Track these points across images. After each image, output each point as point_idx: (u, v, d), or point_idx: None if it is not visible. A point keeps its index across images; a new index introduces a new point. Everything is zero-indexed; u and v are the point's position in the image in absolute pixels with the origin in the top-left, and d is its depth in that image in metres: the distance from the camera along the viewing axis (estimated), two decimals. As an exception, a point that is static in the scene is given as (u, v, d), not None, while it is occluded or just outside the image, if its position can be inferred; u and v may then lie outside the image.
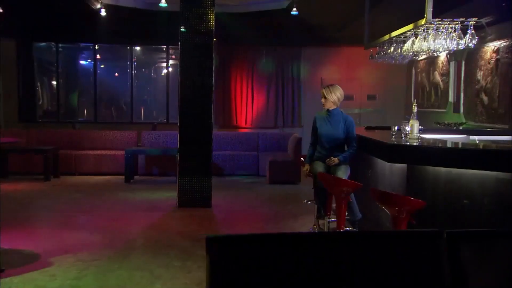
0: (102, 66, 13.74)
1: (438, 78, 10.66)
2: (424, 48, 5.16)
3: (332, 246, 2.31)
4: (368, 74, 12.56)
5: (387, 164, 4.83)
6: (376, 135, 5.31)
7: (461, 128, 7.40)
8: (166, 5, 8.94)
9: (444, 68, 10.33)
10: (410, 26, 5.17)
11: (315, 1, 9.26)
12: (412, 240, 2.39)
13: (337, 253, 2.29)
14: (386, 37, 6.07)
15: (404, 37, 5.75)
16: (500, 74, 8.10)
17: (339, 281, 2.24)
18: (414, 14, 5.03)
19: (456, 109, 9.76)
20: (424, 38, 5.14)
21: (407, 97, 12.79)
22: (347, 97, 12.52)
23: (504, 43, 7.96)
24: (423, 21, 4.74)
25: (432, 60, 10.78)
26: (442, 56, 10.07)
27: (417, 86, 12.06)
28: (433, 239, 2.32)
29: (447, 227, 2.86)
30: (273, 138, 11.28)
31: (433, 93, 10.97)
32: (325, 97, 5.32)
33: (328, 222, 5.54)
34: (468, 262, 2.21)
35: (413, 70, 12.22)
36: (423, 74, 11.58)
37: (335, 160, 5.22)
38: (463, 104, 9.56)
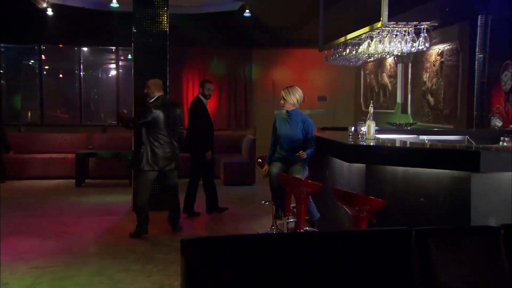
0: (47, 67, 13.29)
1: (386, 79, 11.00)
2: (380, 50, 5.33)
3: (305, 246, 2.35)
4: (319, 75, 12.79)
5: (345, 164, 4.94)
6: (333, 136, 5.42)
7: (409, 128, 7.67)
8: (117, 5, 8.77)
9: (392, 70, 10.66)
10: (366, 29, 5.32)
11: (267, 3, 9.34)
12: (381, 238, 2.47)
13: (309, 253, 2.33)
14: (342, 39, 6.21)
15: (359, 40, 5.90)
16: (445, 76, 8.47)
17: (312, 280, 2.28)
18: (369, 17, 5.18)
19: (404, 110, 10.11)
20: (380, 40, 5.30)
21: (356, 98, 13.12)
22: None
23: (448, 47, 8.32)
24: (379, 24, 4.89)
25: (380, 62, 11.10)
26: (390, 58, 10.40)
27: (366, 87, 12.40)
28: (402, 237, 2.40)
29: (405, 225, 2.96)
30: (226, 140, 11.27)
31: (381, 94, 11.30)
32: (284, 99, 5.37)
33: (287, 223, 5.60)
34: (436, 258, 2.31)
35: (362, 72, 12.55)
36: (372, 76, 11.91)
37: (304, 154, 5.14)
38: (411, 105, 9.91)
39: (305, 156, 5.17)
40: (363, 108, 12.37)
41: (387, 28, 5.08)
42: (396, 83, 10.42)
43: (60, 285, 4.41)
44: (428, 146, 4.48)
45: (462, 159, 3.81)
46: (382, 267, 2.37)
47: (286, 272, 2.22)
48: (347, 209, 4.12)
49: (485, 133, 6.68)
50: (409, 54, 9.55)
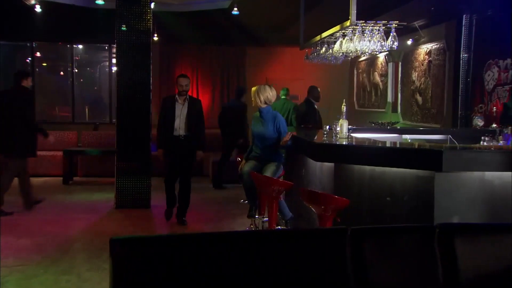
0: (45, 64, 13.32)
1: (377, 78, 10.94)
2: (352, 49, 5.29)
3: (241, 246, 2.32)
4: (312, 74, 12.71)
5: (318, 163, 4.90)
6: (308, 135, 5.39)
7: (398, 127, 7.63)
8: (103, 2, 8.75)
9: (383, 69, 10.61)
10: (337, 28, 5.29)
11: (254, 3, 9.31)
12: (319, 237, 2.44)
13: (244, 252, 2.30)
14: (317, 37, 6.19)
15: (334, 38, 5.87)
16: (432, 75, 8.41)
17: (246, 279, 2.26)
18: (343, 17, 5.15)
19: (394, 109, 10.06)
20: (351, 39, 5.27)
21: (349, 97, 13.05)
22: (292, 97, 12.73)
23: (435, 46, 8.26)
24: (348, 23, 4.87)
25: (372, 61, 11.05)
26: (381, 57, 10.35)
27: (359, 86, 12.34)
28: (338, 236, 2.37)
29: (371, 224, 2.92)
30: (216, 138, 11.23)
31: (373, 93, 11.24)
32: (254, 98, 5.34)
33: (263, 222, 5.57)
34: (370, 257, 2.28)
35: (355, 71, 12.50)
36: (364, 75, 11.85)
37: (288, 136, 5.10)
38: (401, 104, 9.86)
39: (288, 138, 5.05)
40: (356, 107, 12.31)
41: (357, 27, 5.04)
42: (387, 82, 10.36)
43: (26, 284, 4.39)
44: (393, 145, 4.44)
45: (425, 159, 3.78)
46: (319, 267, 2.34)
47: (216, 271, 2.19)
48: (312, 208, 4.10)
49: (469, 132, 6.62)
50: (399, 53, 9.49)
